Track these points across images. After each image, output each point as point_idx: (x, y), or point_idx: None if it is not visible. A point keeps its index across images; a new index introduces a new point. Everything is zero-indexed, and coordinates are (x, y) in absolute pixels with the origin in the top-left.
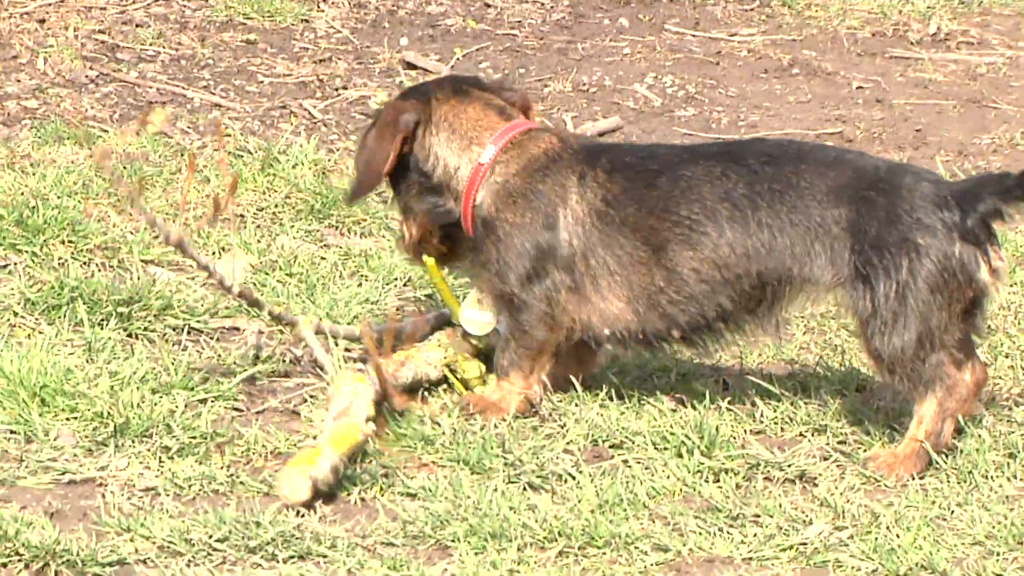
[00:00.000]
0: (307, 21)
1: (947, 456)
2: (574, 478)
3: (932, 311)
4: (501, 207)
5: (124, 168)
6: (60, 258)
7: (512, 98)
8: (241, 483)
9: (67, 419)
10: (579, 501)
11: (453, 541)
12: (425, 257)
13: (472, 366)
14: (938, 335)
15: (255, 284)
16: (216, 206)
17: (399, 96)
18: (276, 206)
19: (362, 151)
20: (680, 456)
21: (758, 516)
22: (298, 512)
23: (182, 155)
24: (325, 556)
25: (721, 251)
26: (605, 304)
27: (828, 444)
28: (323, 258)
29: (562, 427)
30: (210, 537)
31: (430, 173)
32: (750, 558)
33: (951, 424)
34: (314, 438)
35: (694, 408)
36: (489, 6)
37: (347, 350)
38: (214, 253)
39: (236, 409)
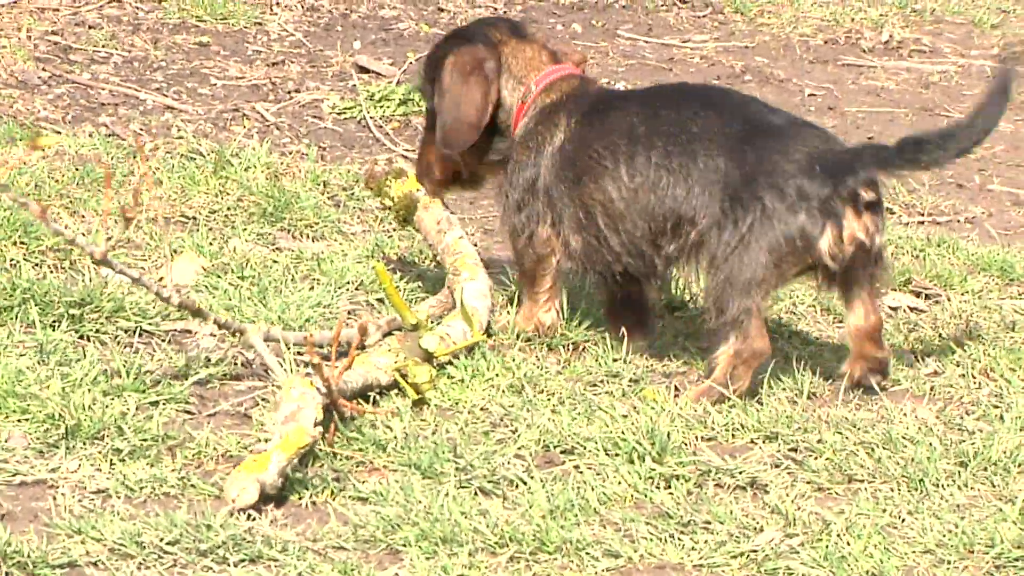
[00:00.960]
0: (260, 24)
1: (899, 464)
2: (525, 483)
3: (759, 268)
4: (518, 146)
5: (76, 170)
6: (12, 259)
7: (566, 49)
8: (192, 486)
9: (18, 421)
10: (530, 506)
11: (404, 545)
12: (376, 263)
13: (423, 371)
14: (756, 288)
15: (207, 287)
16: (124, 217)
17: (457, 38)
18: (228, 209)
19: (446, 99)
20: (631, 462)
21: (709, 523)
22: (249, 516)
23: (134, 157)
24: (276, 560)
25: (620, 187)
26: (568, 237)
27: (779, 451)
28: (275, 261)
29: (514, 432)
30: (161, 540)
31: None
32: (701, 565)
33: (746, 371)
34: (266, 442)
35: (645, 414)
36: (442, 10)
37: (299, 355)
38: (165, 256)
39: (188, 412)
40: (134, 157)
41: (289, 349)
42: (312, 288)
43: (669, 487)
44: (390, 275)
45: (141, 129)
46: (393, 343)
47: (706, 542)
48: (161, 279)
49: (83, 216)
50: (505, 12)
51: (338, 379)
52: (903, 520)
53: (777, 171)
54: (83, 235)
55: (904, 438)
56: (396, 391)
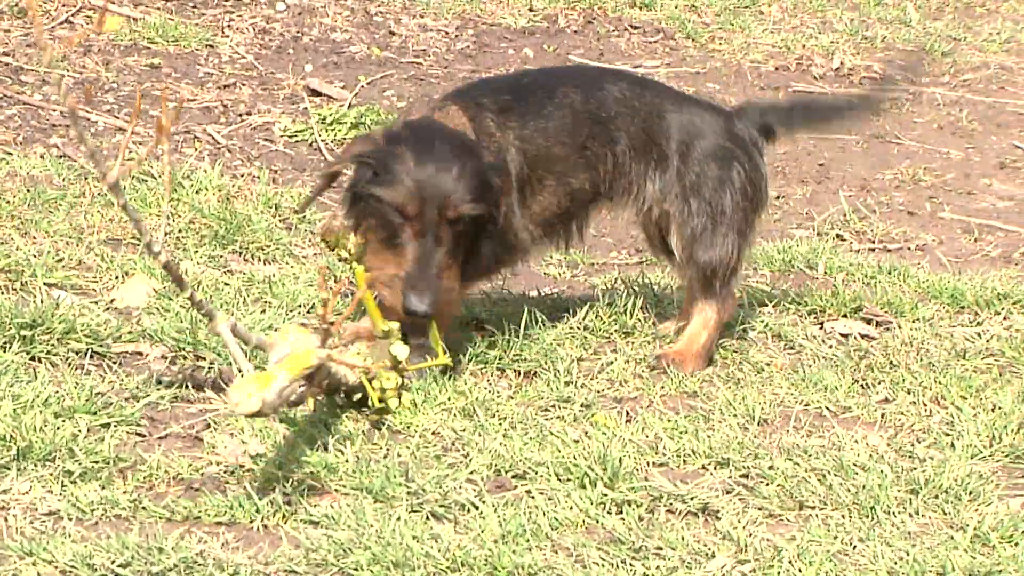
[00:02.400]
0: (212, 47)
1: (850, 491)
2: (477, 508)
3: None
4: None
5: (27, 191)
6: None
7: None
8: (144, 508)
9: None
10: (482, 531)
11: (356, 569)
12: (355, 266)
13: (390, 378)
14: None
15: (158, 310)
16: (159, 129)
17: (466, 146)
18: (180, 231)
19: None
20: (583, 487)
21: (660, 548)
22: (200, 539)
23: (85, 179)
24: None
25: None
26: None
27: (731, 477)
28: (227, 284)
29: (465, 456)
30: (113, 563)
31: None
32: None
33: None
34: (217, 465)
35: (597, 440)
36: (394, 34)
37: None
38: (117, 277)
39: (139, 434)
40: (85, 179)
41: (250, 352)
42: (264, 311)
43: (621, 512)
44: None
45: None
46: (362, 348)
47: (658, 568)
48: (112, 300)
49: (34, 237)
50: (456, 37)
51: (339, 325)
52: (854, 547)
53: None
54: (34, 256)
55: (855, 465)
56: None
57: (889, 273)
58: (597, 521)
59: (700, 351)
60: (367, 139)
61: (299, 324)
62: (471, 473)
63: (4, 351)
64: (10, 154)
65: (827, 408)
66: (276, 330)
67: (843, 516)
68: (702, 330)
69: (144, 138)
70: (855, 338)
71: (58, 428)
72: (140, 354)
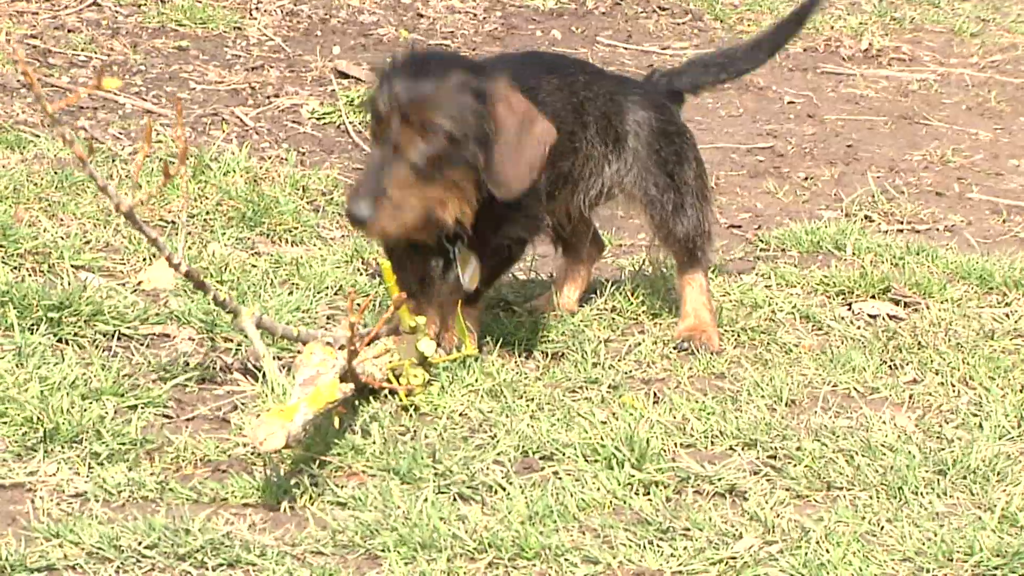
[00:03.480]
0: (239, 29)
1: (878, 472)
2: (504, 489)
3: None
4: None
5: (55, 173)
6: None
7: None
8: (171, 490)
9: None
10: (509, 512)
11: (383, 551)
12: (381, 261)
13: (418, 373)
14: None
15: (185, 291)
16: (165, 173)
17: (468, 71)
18: (207, 213)
19: (520, 147)
20: (610, 468)
21: (688, 530)
22: (227, 520)
23: (113, 161)
24: (254, 564)
25: None
26: None
27: (758, 458)
28: (254, 266)
29: (493, 438)
30: (139, 544)
31: None
32: (680, 571)
33: None
34: (244, 447)
35: (624, 421)
36: (422, 16)
37: (278, 358)
38: (145, 259)
39: (166, 416)
40: (113, 161)
41: (275, 342)
42: (291, 293)
43: (648, 494)
44: (393, 275)
45: (120, 133)
46: (389, 343)
47: (685, 549)
48: (140, 282)
49: (62, 219)
50: (484, 19)
51: (363, 346)
52: (882, 528)
53: None
54: (61, 238)
55: (883, 446)
56: (377, 394)
57: (917, 254)
58: (624, 502)
59: (712, 319)
60: (383, 63)
61: (324, 343)
62: (498, 454)
63: (32, 333)
64: (38, 136)
65: (855, 389)
66: (300, 352)
67: (871, 497)
68: (700, 297)
69: (171, 121)
70: (883, 319)
71: (85, 410)
72: (167, 336)
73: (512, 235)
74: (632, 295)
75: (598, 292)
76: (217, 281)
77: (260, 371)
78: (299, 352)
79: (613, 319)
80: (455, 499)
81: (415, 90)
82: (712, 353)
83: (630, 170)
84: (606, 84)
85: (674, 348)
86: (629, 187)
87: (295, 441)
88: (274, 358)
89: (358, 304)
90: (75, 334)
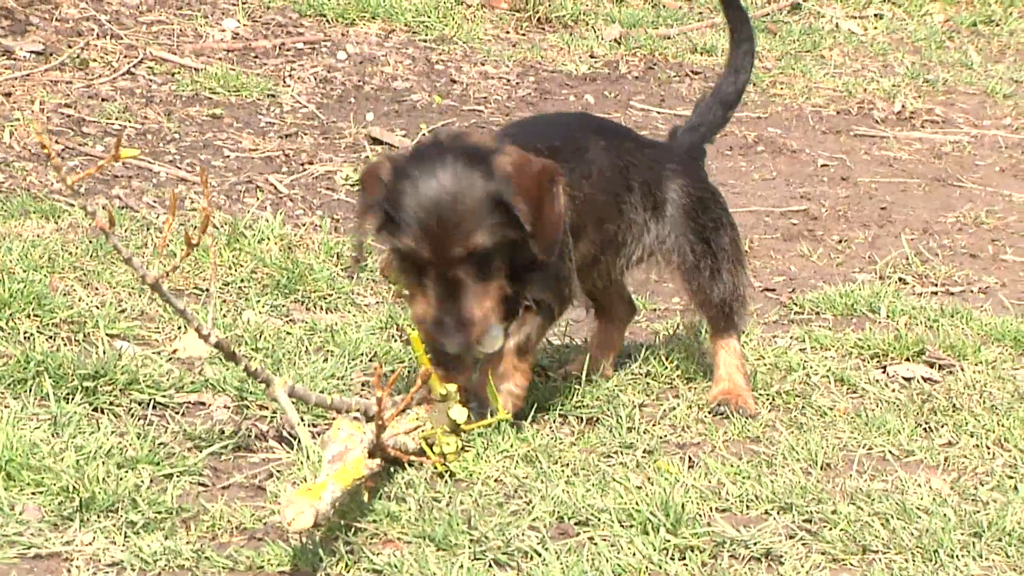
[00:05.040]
0: (273, 96)
1: (913, 535)
2: (540, 555)
3: None
4: None
5: (90, 242)
6: (26, 332)
7: None
8: (207, 558)
9: (33, 493)
10: None
11: None
12: (409, 331)
13: (451, 441)
14: None
15: (220, 360)
16: (188, 244)
17: (468, 160)
18: (242, 281)
19: (547, 212)
20: (646, 533)
21: None
22: None
23: (147, 229)
24: None
25: None
26: None
27: (794, 522)
28: (289, 333)
29: (528, 503)
30: None
31: None
32: None
33: None
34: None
35: (660, 485)
36: (455, 82)
37: (314, 425)
38: (180, 327)
39: (202, 484)
40: (147, 230)
41: (309, 410)
42: (326, 360)
43: (684, 558)
44: (422, 344)
45: (154, 201)
46: (420, 412)
47: None
48: (175, 351)
49: (96, 288)
50: (517, 84)
51: (391, 420)
52: None
53: None
54: (96, 307)
55: (918, 509)
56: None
57: (952, 316)
58: (660, 567)
59: (746, 383)
60: (375, 178)
61: (352, 418)
62: (533, 520)
63: (67, 402)
64: (72, 205)
65: (890, 452)
66: (333, 419)
67: (906, 560)
68: (735, 361)
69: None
70: (918, 381)
71: (121, 479)
72: (202, 404)
73: (540, 293)
74: (667, 359)
75: (632, 356)
76: (252, 349)
77: (295, 439)
78: (333, 419)
79: (648, 383)
80: (491, 565)
81: (445, 223)
82: (747, 417)
83: (668, 236)
84: (648, 151)
85: (709, 412)
86: (667, 253)
87: (324, 519)
88: (309, 426)
89: (385, 376)
90: (110, 403)
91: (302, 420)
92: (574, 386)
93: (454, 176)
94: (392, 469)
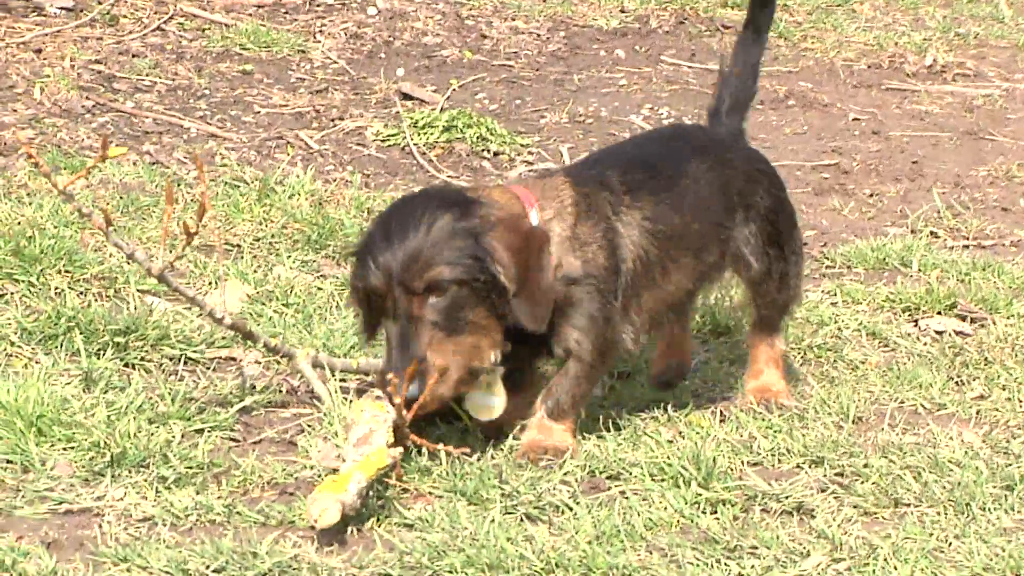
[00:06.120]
0: (303, 52)
1: (945, 488)
2: (571, 509)
3: None
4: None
5: (121, 198)
6: (57, 288)
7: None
8: (238, 513)
9: (64, 449)
10: (576, 532)
11: (450, 572)
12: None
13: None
14: None
15: (251, 315)
16: (187, 233)
17: (455, 207)
18: (272, 236)
19: (533, 277)
20: (677, 487)
21: (755, 548)
22: (295, 543)
23: (179, 185)
24: None
25: None
26: None
27: (825, 476)
28: (320, 288)
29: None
30: (207, 567)
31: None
32: None
33: None
34: (311, 469)
35: (691, 440)
36: (485, 37)
37: (343, 381)
38: (210, 283)
39: (233, 439)
40: (178, 185)
41: (335, 376)
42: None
43: (715, 512)
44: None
45: (185, 157)
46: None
47: (753, 567)
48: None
49: (127, 242)
50: (548, 39)
51: (413, 412)
52: (950, 544)
53: None
54: (127, 263)
55: (950, 462)
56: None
57: (983, 269)
58: (691, 521)
59: (785, 383)
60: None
61: (375, 397)
62: (565, 474)
63: (98, 358)
64: (103, 160)
65: (922, 405)
66: (325, 414)
67: (938, 513)
68: (775, 357)
69: (236, 144)
70: (949, 335)
71: (152, 434)
72: (233, 359)
73: (570, 342)
74: (698, 315)
75: None
76: (283, 304)
77: (328, 393)
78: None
79: None
80: (522, 520)
81: (403, 255)
82: (783, 409)
83: (749, 240)
84: (742, 156)
85: (748, 406)
86: (748, 257)
87: (352, 510)
88: (340, 381)
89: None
90: (142, 358)
91: (328, 390)
92: None
93: (421, 213)
94: (421, 425)
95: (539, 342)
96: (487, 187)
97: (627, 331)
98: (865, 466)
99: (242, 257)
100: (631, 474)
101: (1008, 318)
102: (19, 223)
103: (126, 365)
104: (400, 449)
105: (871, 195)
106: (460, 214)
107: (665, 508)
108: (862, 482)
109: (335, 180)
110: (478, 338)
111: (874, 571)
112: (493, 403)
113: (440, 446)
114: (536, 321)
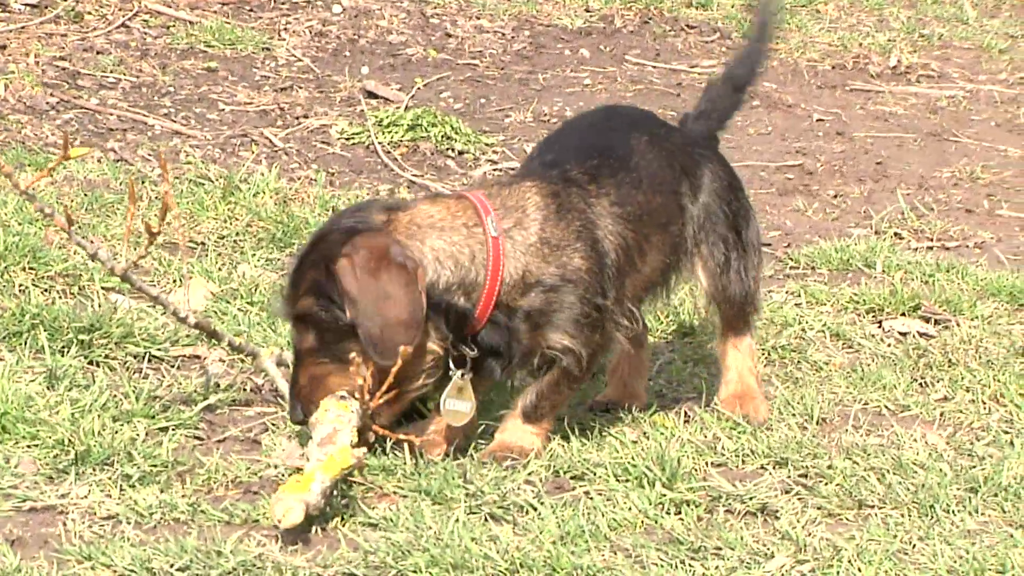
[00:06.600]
0: (268, 50)
1: (909, 490)
2: (535, 509)
3: None
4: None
5: (85, 195)
6: (21, 285)
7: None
8: (202, 512)
9: (28, 446)
10: (540, 532)
11: (415, 572)
12: None
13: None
14: None
15: (216, 312)
16: (149, 232)
17: (336, 233)
18: (237, 234)
19: (377, 308)
20: (642, 488)
21: (720, 549)
22: (259, 542)
23: (143, 182)
24: None
25: None
26: None
27: (789, 477)
28: (284, 286)
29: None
30: (171, 566)
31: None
32: None
33: None
34: (275, 468)
35: (655, 440)
36: (450, 36)
37: None
38: (175, 281)
39: (197, 438)
40: (142, 183)
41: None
42: None
43: (679, 513)
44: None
45: (150, 154)
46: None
47: (717, 568)
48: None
49: (92, 241)
50: (513, 38)
51: (376, 403)
52: (914, 546)
53: None
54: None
55: (914, 464)
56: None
57: (947, 271)
58: (656, 521)
59: (759, 386)
60: None
61: (339, 398)
62: (529, 474)
63: (62, 355)
64: (68, 158)
65: (886, 407)
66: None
67: (902, 515)
68: (747, 361)
69: (201, 142)
70: (913, 336)
71: (116, 432)
72: (198, 357)
73: (556, 348)
74: (663, 315)
75: None
76: (247, 302)
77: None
78: None
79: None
80: (486, 519)
81: (287, 280)
82: (756, 425)
83: (702, 227)
84: (678, 135)
85: (716, 411)
86: (700, 246)
87: (315, 510)
88: None
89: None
90: (106, 356)
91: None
92: None
93: (319, 236)
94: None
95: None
96: (429, 196)
97: (622, 324)
98: (829, 467)
99: (206, 255)
100: (595, 474)
101: (972, 320)
102: None
103: (90, 363)
104: (364, 449)
105: (835, 196)
106: (335, 244)
107: (629, 508)
108: (826, 483)
109: (299, 178)
110: (348, 368)
111: (838, 573)
112: (464, 408)
113: (403, 435)
114: (383, 354)
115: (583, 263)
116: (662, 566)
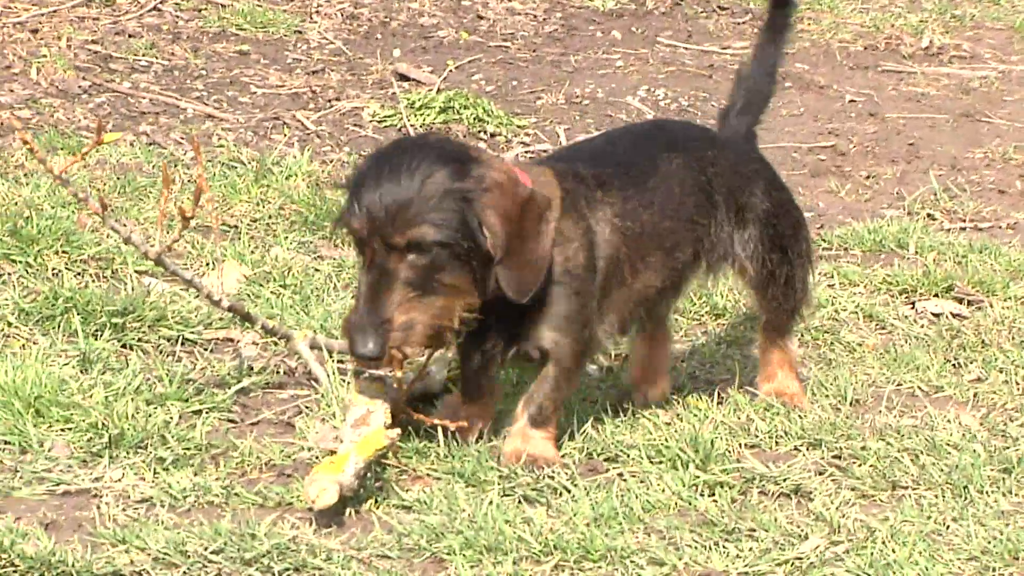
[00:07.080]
0: (300, 32)
1: (943, 471)
2: (569, 491)
3: None
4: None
5: (117, 179)
6: (54, 268)
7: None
8: (236, 495)
9: (62, 430)
10: (574, 515)
11: (448, 554)
12: None
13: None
14: None
15: (249, 296)
16: (183, 216)
17: (455, 164)
18: (270, 217)
19: (523, 246)
20: (675, 469)
21: (753, 530)
22: (293, 524)
23: (175, 166)
24: (320, 568)
25: None
26: None
27: (823, 458)
28: (317, 270)
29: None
30: (205, 549)
31: None
32: (746, 572)
33: None
34: (308, 450)
35: (688, 422)
36: (482, 18)
37: (340, 363)
38: (208, 264)
39: (231, 421)
40: (175, 166)
41: (332, 358)
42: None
43: (713, 494)
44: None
45: (182, 138)
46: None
47: (751, 550)
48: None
49: (125, 225)
50: (544, 20)
51: (410, 388)
52: (948, 527)
53: None
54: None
55: (948, 445)
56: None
57: (980, 252)
58: (689, 503)
59: (800, 387)
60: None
61: (373, 379)
62: (563, 456)
63: (96, 339)
64: (99, 145)
65: (919, 388)
66: (322, 395)
67: (936, 496)
68: (788, 359)
69: (233, 125)
70: (947, 317)
71: (150, 415)
72: (231, 340)
73: (546, 342)
74: (695, 295)
75: None
76: (280, 285)
77: (325, 375)
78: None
79: (676, 320)
80: (520, 501)
81: (391, 204)
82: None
83: (747, 244)
84: (730, 155)
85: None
86: (744, 261)
87: (349, 491)
88: (337, 362)
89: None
90: (139, 339)
91: (325, 371)
92: None
93: (418, 163)
94: (419, 406)
95: (508, 341)
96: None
97: (603, 332)
98: (863, 448)
99: (239, 238)
100: (629, 456)
101: (1005, 300)
102: (16, 204)
103: (123, 346)
104: (398, 430)
105: (868, 177)
106: (455, 173)
107: (663, 490)
108: (860, 465)
109: (332, 161)
110: (451, 300)
111: (872, 554)
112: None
113: (436, 420)
114: (520, 292)
115: (584, 261)
116: (696, 548)
